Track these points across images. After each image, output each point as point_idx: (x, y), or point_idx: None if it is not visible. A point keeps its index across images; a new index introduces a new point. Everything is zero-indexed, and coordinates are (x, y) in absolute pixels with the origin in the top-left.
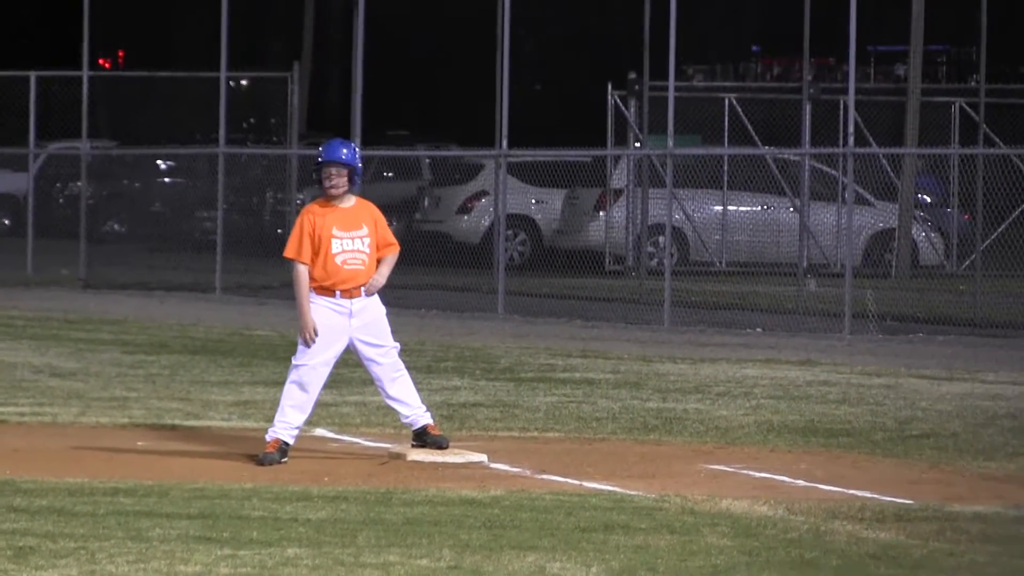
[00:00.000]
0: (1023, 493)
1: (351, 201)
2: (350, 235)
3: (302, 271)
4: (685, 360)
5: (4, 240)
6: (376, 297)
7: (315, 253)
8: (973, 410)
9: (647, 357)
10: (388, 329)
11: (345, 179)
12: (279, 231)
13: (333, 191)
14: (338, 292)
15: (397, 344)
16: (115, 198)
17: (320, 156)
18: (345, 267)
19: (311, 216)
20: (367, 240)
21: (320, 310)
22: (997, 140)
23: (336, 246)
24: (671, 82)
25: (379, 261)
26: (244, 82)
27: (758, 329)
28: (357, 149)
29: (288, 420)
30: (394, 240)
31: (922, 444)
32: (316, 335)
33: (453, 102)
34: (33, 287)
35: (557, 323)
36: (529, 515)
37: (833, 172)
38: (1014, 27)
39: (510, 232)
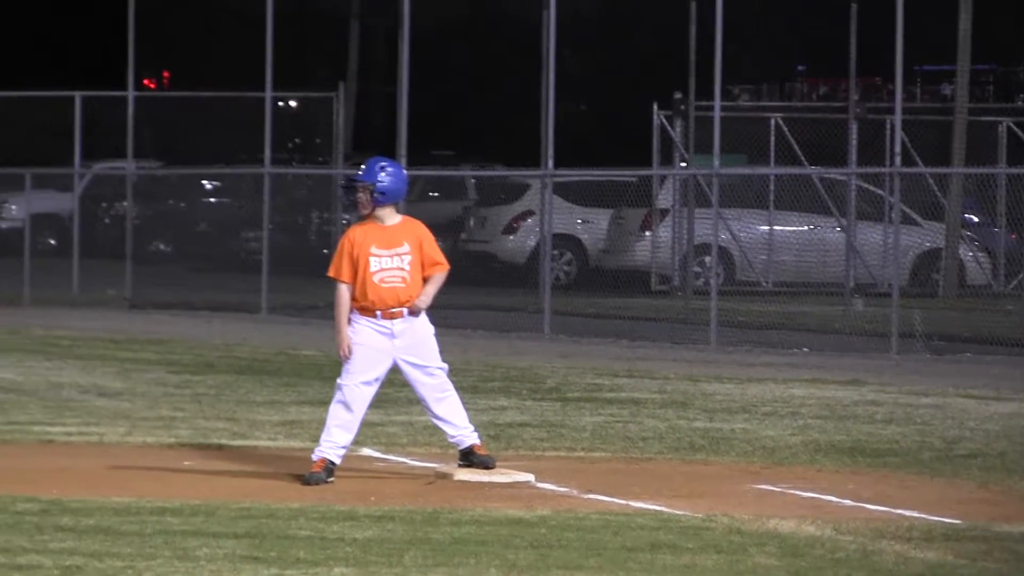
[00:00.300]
0: None
1: (395, 219)
2: (389, 253)
3: (342, 290)
4: (732, 380)
5: (50, 260)
6: (424, 317)
7: (355, 272)
8: (1021, 430)
9: (694, 377)
10: (435, 349)
11: (367, 197)
12: (324, 251)
13: (360, 210)
14: (379, 313)
15: (444, 365)
16: (160, 218)
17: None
18: (383, 285)
19: (353, 235)
20: (408, 258)
21: (363, 330)
22: None
23: (374, 264)
24: (717, 102)
25: (426, 280)
26: (293, 103)
27: (805, 349)
28: (385, 168)
29: (334, 440)
30: (442, 259)
31: (970, 464)
32: (350, 353)
33: (499, 122)
34: (79, 307)
35: (603, 343)
36: (576, 535)
37: (880, 192)
38: None
39: (556, 252)
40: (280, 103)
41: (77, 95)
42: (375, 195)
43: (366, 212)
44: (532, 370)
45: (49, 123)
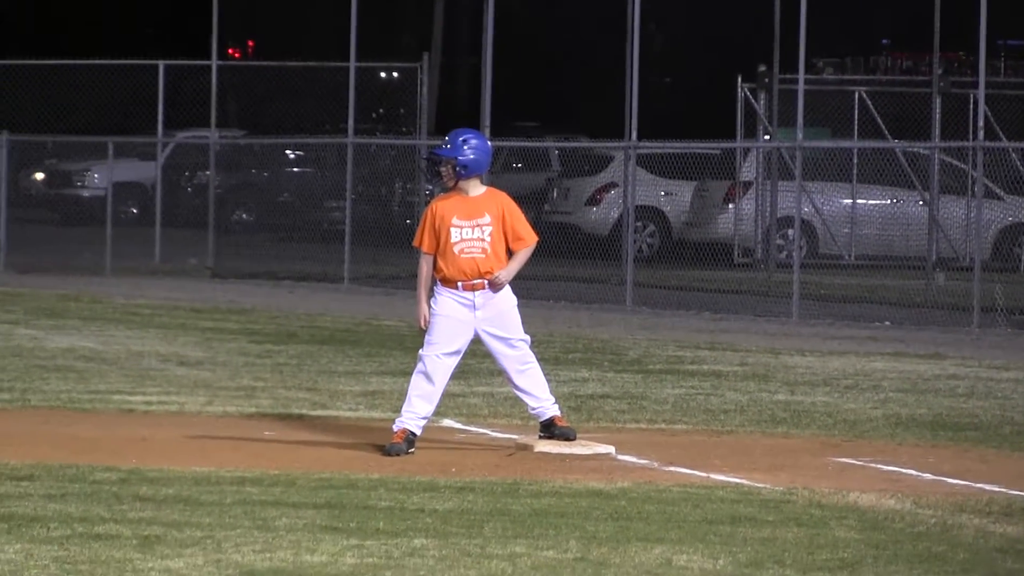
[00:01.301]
0: None
1: (480, 190)
2: (471, 223)
3: (423, 260)
4: (813, 353)
5: (132, 229)
6: (507, 288)
7: (437, 243)
8: None
9: (775, 350)
10: (518, 321)
11: (450, 170)
12: (407, 221)
13: (443, 182)
14: (460, 284)
15: (527, 336)
16: (243, 188)
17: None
18: (463, 256)
19: (436, 206)
20: (488, 229)
21: (445, 301)
22: None
23: (455, 235)
24: (801, 75)
25: (511, 254)
26: (383, 74)
27: (886, 323)
28: (468, 140)
29: (415, 410)
30: (527, 233)
31: None
32: (427, 324)
33: (583, 94)
34: (161, 276)
35: (685, 315)
36: (656, 507)
37: (963, 166)
38: None
39: (639, 224)
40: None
41: (161, 64)
42: (457, 169)
43: (450, 184)
44: (614, 342)
45: (133, 92)
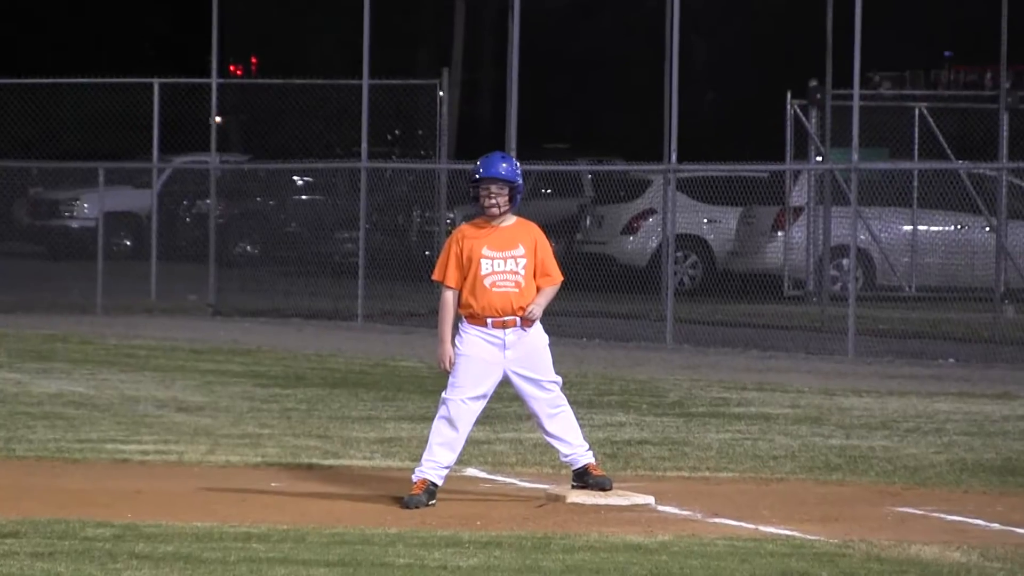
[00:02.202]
0: None
1: (510, 220)
2: (503, 255)
3: (447, 296)
4: (871, 393)
5: (126, 263)
6: (538, 326)
7: (464, 276)
8: None
9: (829, 390)
10: (549, 361)
11: (506, 197)
12: (427, 253)
13: (493, 211)
14: (489, 321)
15: (558, 378)
16: (247, 217)
17: (478, 171)
18: (494, 290)
19: (461, 236)
20: (523, 262)
21: (472, 340)
22: None
23: (486, 267)
24: (856, 90)
25: (537, 291)
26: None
27: (951, 359)
28: (518, 164)
29: (436, 459)
30: (555, 270)
31: None
32: (452, 366)
33: (617, 112)
34: (157, 314)
35: (731, 353)
36: (700, 562)
37: None
38: None
39: (680, 254)
40: (380, 90)
41: (156, 82)
42: (516, 195)
43: (497, 213)
44: (653, 383)
45: (125, 113)
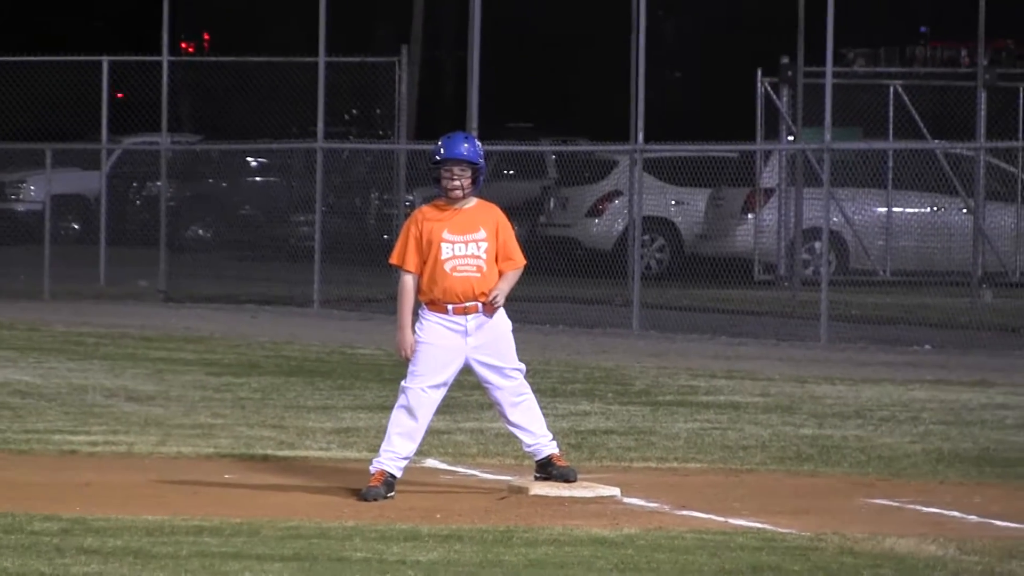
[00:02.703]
0: None
1: (471, 202)
2: (464, 239)
3: (407, 280)
4: (844, 381)
5: (74, 248)
6: (501, 312)
7: (424, 261)
8: None
9: (801, 378)
10: (512, 348)
11: (469, 179)
12: (385, 236)
13: (456, 193)
14: (450, 307)
15: (521, 366)
16: (199, 200)
17: (439, 152)
18: (455, 274)
19: (420, 219)
20: (484, 245)
21: (432, 327)
22: None
23: (446, 251)
24: (828, 67)
25: (500, 275)
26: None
27: (926, 346)
28: (480, 144)
29: (395, 450)
30: (518, 254)
31: None
32: (413, 353)
33: (583, 91)
34: (106, 300)
35: (699, 339)
36: (667, 556)
37: (1011, 169)
38: None
39: (646, 237)
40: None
41: (105, 60)
42: (479, 177)
43: (459, 196)
44: (619, 370)
45: (73, 92)
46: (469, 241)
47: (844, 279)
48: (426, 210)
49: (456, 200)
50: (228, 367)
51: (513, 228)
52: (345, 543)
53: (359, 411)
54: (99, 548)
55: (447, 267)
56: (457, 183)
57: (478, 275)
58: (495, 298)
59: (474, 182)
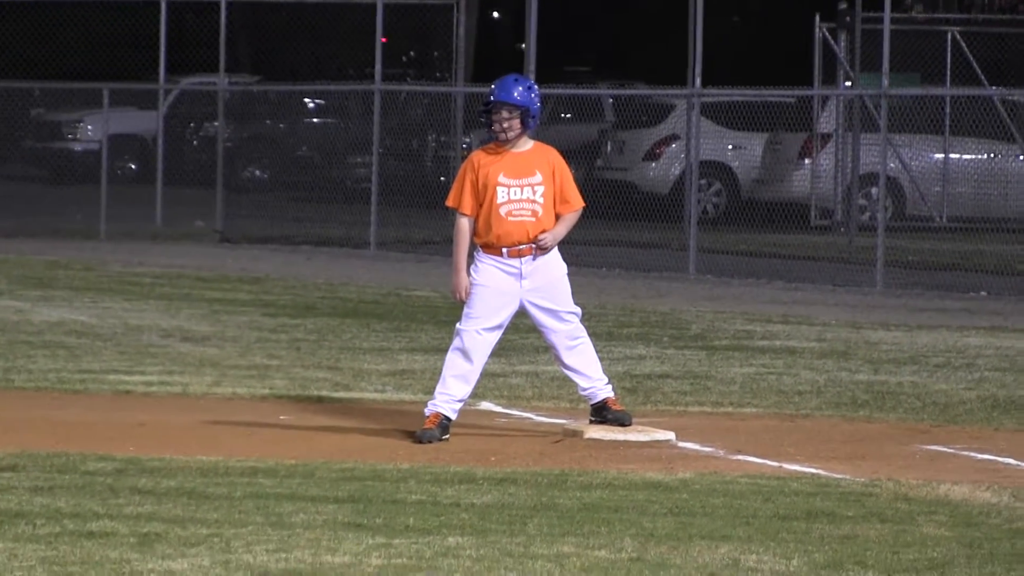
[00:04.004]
0: None
1: (527, 145)
2: (519, 183)
3: (462, 223)
4: (900, 327)
5: (131, 188)
6: (556, 255)
7: (479, 204)
8: None
9: (857, 323)
10: (568, 292)
11: (518, 122)
12: (442, 179)
13: (503, 135)
14: (505, 250)
15: (577, 309)
16: (256, 141)
17: (491, 95)
18: (510, 218)
19: (477, 161)
20: (540, 189)
21: (487, 270)
22: None
23: (502, 195)
24: (887, 13)
25: (556, 218)
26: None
27: (982, 293)
28: (535, 87)
29: (450, 392)
30: (576, 197)
31: None
32: (468, 296)
33: (640, 35)
34: (163, 241)
35: (755, 284)
36: (722, 501)
37: None
38: None
39: (703, 181)
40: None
41: (163, 0)
42: (528, 120)
43: (510, 136)
44: (675, 315)
45: (131, 33)
46: (525, 185)
47: (900, 225)
48: (481, 154)
49: (505, 143)
50: (283, 308)
51: (571, 171)
52: (399, 485)
53: (414, 353)
54: (153, 488)
55: (502, 211)
56: (505, 126)
57: (533, 219)
58: (543, 240)
59: (524, 125)
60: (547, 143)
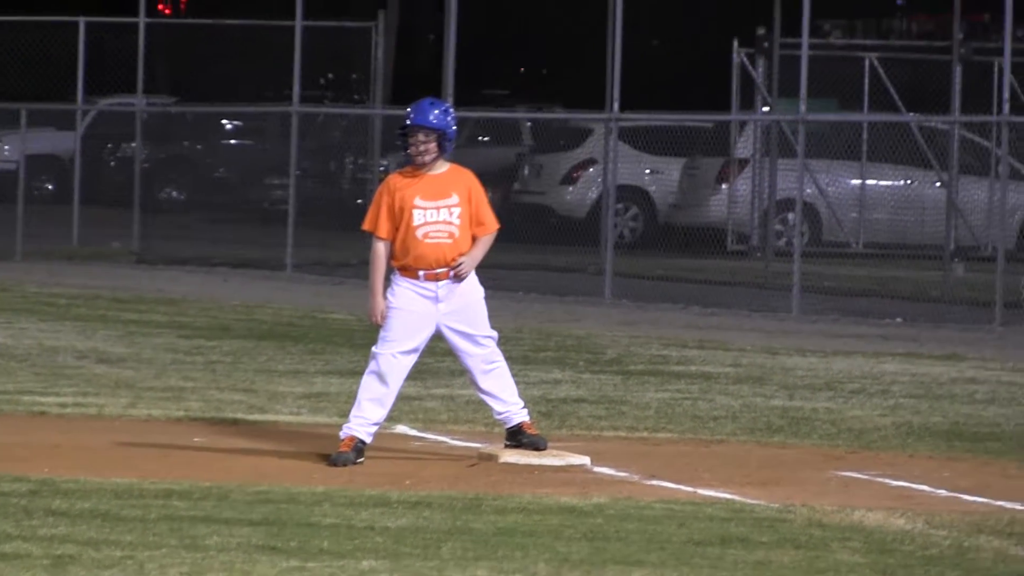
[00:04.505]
0: None
1: (443, 167)
2: (435, 205)
3: (378, 247)
4: (815, 353)
5: (48, 208)
6: (473, 278)
7: (396, 227)
8: None
9: (772, 349)
10: (484, 316)
11: (434, 145)
12: (359, 201)
13: (420, 159)
14: (421, 273)
15: (493, 333)
16: (174, 161)
17: (407, 119)
18: (427, 241)
19: (393, 184)
20: (457, 211)
21: (404, 293)
22: None
23: (418, 217)
24: (804, 39)
25: (472, 240)
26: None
27: (898, 319)
28: (451, 110)
29: (365, 415)
30: (491, 219)
31: None
32: (384, 319)
33: (558, 58)
34: (79, 261)
35: (672, 309)
36: (636, 526)
37: (986, 143)
38: None
39: (620, 206)
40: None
41: (81, 20)
42: (444, 143)
43: (426, 160)
44: (591, 339)
45: (49, 53)
46: (441, 207)
47: (817, 251)
48: (398, 176)
49: (422, 166)
50: (200, 330)
51: (487, 194)
52: (314, 508)
53: (330, 376)
54: (67, 510)
55: (419, 233)
56: (423, 149)
57: (450, 241)
58: (460, 265)
59: (441, 148)
60: (464, 166)
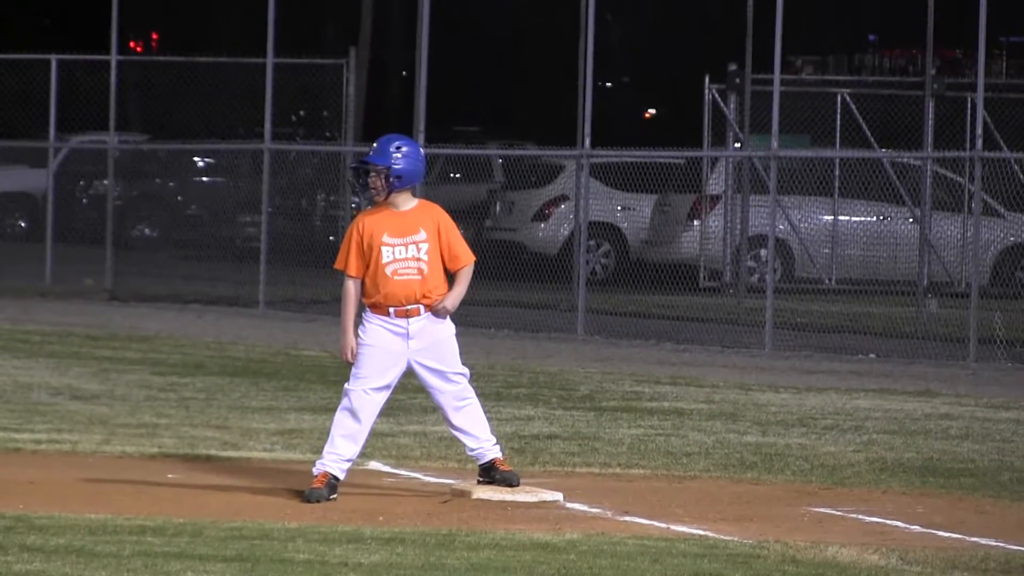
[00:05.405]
0: None
1: (411, 204)
2: (403, 241)
3: (349, 285)
4: (788, 389)
5: (20, 245)
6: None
7: (366, 265)
8: None
9: (745, 385)
10: (455, 352)
11: (381, 181)
12: (331, 238)
13: (373, 196)
14: (392, 310)
15: (465, 370)
16: (146, 199)
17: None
18: (396, 278)
19: (361, 223)
20: (425, 247)
21: (375, 330)
22: None
23: (387, 254)
24: (776, 75)
25: (451, 278)
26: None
27: (871, 355)
28: (404, 147)
29: (339, 452)
30: (465, 252)
31: None
32: (355, 357)
33: (530, 95)
34: (52, 298)
35: (644, 345)
36: (609, 562)
37: (959, 179)
38: None
39: (592, 242)
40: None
41: (53, 58)
42: (391, 179)
43: (380, 199)
44: (563, 375)
45: (21, 90)
46: (409, 243)
47: (789, 287)
48: (367, 214)
49: (376, 203)
50: (173, 367)
51: (459, 229)
52: (287, 544)
53: (303, 412)
54: (42, 546)
55: (388, 271)
56: (372, 186)
57: (419, 278)
58: (441, 307)
59: (389, 184)
60: (436, 203)
